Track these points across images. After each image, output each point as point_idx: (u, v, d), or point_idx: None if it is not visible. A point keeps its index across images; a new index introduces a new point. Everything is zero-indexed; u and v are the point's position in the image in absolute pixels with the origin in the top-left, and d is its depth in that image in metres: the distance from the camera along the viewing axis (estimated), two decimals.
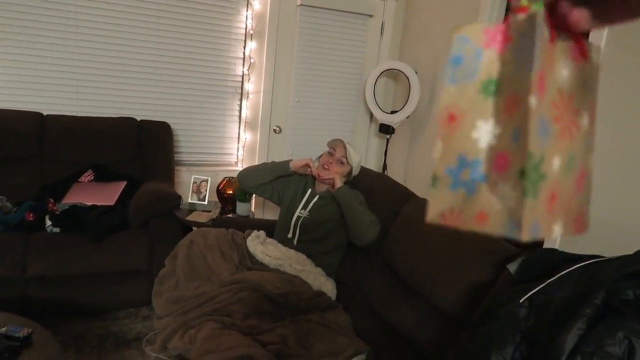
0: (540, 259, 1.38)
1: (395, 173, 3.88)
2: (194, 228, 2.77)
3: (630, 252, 1.19)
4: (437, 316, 1.67)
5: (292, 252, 2.22)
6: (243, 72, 3.60)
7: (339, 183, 2.22)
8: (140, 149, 3.17)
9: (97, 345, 2.40)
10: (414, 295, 1.81)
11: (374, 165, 4.11)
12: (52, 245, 2.49)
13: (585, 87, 0.38)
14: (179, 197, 2.80)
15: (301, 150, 3.85)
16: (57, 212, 2.65)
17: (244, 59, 3.59)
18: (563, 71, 0.37)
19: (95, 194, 2.81)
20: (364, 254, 2.17)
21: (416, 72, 3.60)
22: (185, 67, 3.40)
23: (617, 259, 1.16)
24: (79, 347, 2.37)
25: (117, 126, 3.11)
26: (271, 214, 3.74)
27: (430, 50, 3.64)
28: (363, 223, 2.08)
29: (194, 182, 2.97)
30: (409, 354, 1.70)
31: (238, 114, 3.67)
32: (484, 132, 0.37)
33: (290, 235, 2.31)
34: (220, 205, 2.92)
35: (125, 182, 2.94)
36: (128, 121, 3.16)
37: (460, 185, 0.38)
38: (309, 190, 2.36)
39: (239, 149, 3.74)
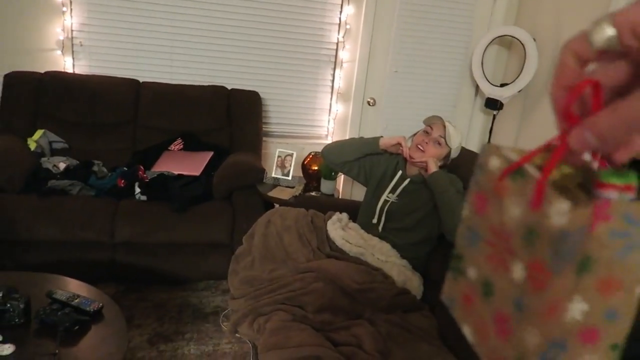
0: None
1: None
2: (275, 205, 2.66)
3: None
4: None
5: (376, 240, 2.01)
6: (338, 39, 3.37)
7: (433, 167, 1.95)
8: (229, 118, 3.10)
9: (176, 316, 2.40)
10: None
11: (476, 145, 3.71)
12: (139, 213, 2.51)
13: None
14: (263, 171, 2.69)
15: (396, 125, 3.58)
16: (146, 180, 2.67)
17: (339, 25, 3.35)
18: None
19: (182, 163, 2.80)
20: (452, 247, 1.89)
21: (534, 40, 3.13)
22: (277, 35, 3.25)
23: None
24: (159, 315, 2.39)
25: (207, 94, 3.06)
26: (359, 194, 3.53)
27: (553, 14, 3.13)
28: (458, 215, 1.79)
29: (279, 156, 2.84)
30: None
31: (330, 84, 3.47)
32: (571, 310, 0.35)
33: (375, 221, 2.10)
34: (304, 181, 2.77)
35: (212, 153, 2.89)
36: (219, 90, 3.10)
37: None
38: (400, 172, 2.10)
39: (329, 121, 3.55)
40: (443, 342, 1.65)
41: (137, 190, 2.62)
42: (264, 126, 3.23)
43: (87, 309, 1.57)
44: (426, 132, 2.04)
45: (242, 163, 2.72)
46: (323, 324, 1.65)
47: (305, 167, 2.71)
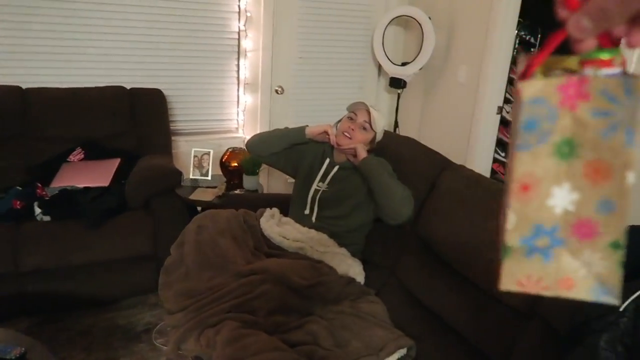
0: None
1: (408, 131, 3.60)
2: (199, 208, 2.53)
3: None
4: (493, 307, 1.46)
5: (313, 232, 1.99)
6: (239, 28, 3.25)
7: (363, 153, 1.96)
8: (133, 120, 2.88)
9: (105, 341, 2.21)
10: (462, 280, 1.59)
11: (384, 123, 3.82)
12: (46, 235, 2.25)
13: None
14: (180, 174, 2.55)
15: (306, 112, 3.57)
16: (47, 198, 2.40)
17: (239, 13, 3.23)
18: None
19: (87, 175, 2.55)
20: (395, 231, 1.93)
21: (430, 18, 3.27)
22: (175, 27, 3.05)
23: None
24: (86, 343, 2.19)
25: (105, 96, 2.81)
26: (278, 186, 3.49)
27: None
28: (397, 198, 1.84)
29: (195, 156, 2.70)
30: (461, 350, 1.50)
31: (236, 75, 3.36)
32: (560, 199, 0.35)
33: (307, 212, 2.07)
34: (225, 179, 2.66)
35: (119, 159, 2.67)
36: (117, 90, 2.86)
37: (536, 252, 0.37)
38: (327, 160, 2.09)
39: (239, 113, 3.45)
40: (394, 325, 1.68)
41: (38, 210, 2.35)
42: (171, 125, 3.04)
43: (9, 356, 1.37)
44: (351, 119, 2.05)
45: (156, 167, 2.54)
46: (276, 326, 1.60)
47: (224, 165, 2.60)
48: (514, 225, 0.37)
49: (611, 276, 0.35)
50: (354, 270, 1.91)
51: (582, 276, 0.36)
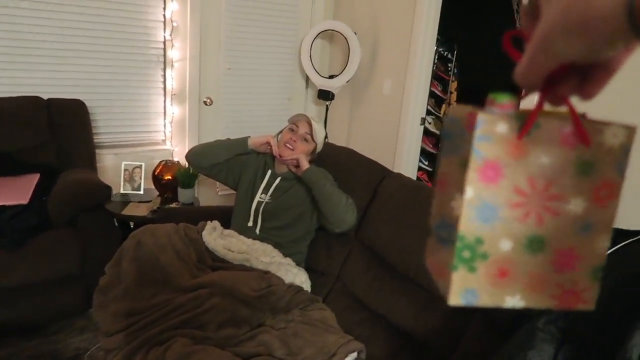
0: None
1: (337, 142, 3.69)
2: (132, 224, 2.42)
3: None
4: (438, 305, 1.55)
5: (257, 243, 1.98)
6: (165, 37, 3.17)
7: (305, 164, 2.00)
8: (52, 133, 2.70)
9: None
10: (406, 281, 1.67)
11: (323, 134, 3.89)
12: None
13: (580, 172, 0.40)
14: (109, 189, 2.42)
15: (236, 123, 3.55)
16: None
17: (164, 22, 3.15)
18: (542, 159, 0.39)
19: (3, 192, 2.35)
20: (338, 238, 1.98)
21: (355, 33, 3.40)
22: (97, 34, 2.91)
23: None
24: None
25: (20, 107, 2.60)
26: (209, 198, 3.43)
27: (369, 9, 3.44)
28: (340, 207, 1.89)
29: (126, 170, 2.58)
30: (408, 350, 1.57)
31: (163, 85, 3.26)
32: (457, 204, 0.40)
33: (250, 224, 2.07)
34: (157, 193, 2.57)
35: (38, 174, 2.48)
36: (33, 101, 2.66)
37: (439, 240, 0.43)
38: (269, 171, 2.11)
39: (166, 125, 3.35)
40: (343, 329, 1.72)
41: None
42: (95, 137, 2.89)
43: None
44: (292, 130, 2.08)
45: (82, 182, 2.40)
46: (227, 339, 1.58)
47: (157, 178, 2.51)
48: (434, 212, 0.43)
49: (449, 276, 0.40)
50: (300, 278, 1.93)
51: (446, 272, 0.40)
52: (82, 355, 2.16)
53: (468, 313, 1.47)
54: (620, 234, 1.13)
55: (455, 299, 0.40)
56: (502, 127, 0.38)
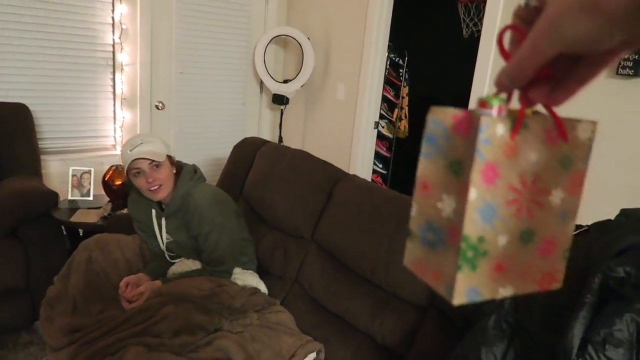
0: None
1: (293, 145, 3.71)
2: (80, 231, 2.34)
3: None
4: (394, 304, 1.58)
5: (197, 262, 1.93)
6: (114, 40, 3.09)
7: (149, 291, 1.73)
8: None
9: None
10: (363, 282, 1.69)
11: (268, 138, 3.88)
12: None
13: (561, 165, 0.43)
14: (56, 195, 2.32)
15: (189, 128, 3.49)
16: None
17: (113, 25, 3.07)
18: (530, 156, 0.41)
19: None
20: (294, 240, 1.98)
21: (309, 38, 3.43)
22: (41, 36, 2.80)
23: (598, 231, 1.14)
24: None
25: None
26: None
27: (322, 15, 3.48)
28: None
29: (74, 175, 2.48)
30: (366, 347, 1.59)
31: (112, 89, 3.17)
32: (446, 205, 0.42)
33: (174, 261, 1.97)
34: (108, 199, 2.49)
35: None
36: None
37: (426, 243, 0.44)
38: (153, 212, 1.88)
39: (116, 129, 3.25)
40: (302, 331, 1.72)
41: None
42: (40, 143, 2.76)
43: None
44: (139, 174, 1.75)
45: (25, 190, 2.29)
46: (183, 346, 1.55)
47: (107, 184, 2.43)
48: (415, 214, 0.44)
49: (452, 277, 0.40)
50: (251, 281, 1.91)
51: (444, 273, 0.42)
52: None
53: (422, 311, 1.51)
54: None
55: (460, 299, 0.41)
56: (501, 129, 0.40)
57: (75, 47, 2.94)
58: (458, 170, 0.41)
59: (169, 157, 1.82)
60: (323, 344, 1.62)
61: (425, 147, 0.43)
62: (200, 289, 1.71)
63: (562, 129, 0.42)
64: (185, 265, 1.92)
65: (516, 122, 0.40)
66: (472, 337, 1.25)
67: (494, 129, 0.39)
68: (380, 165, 3.89)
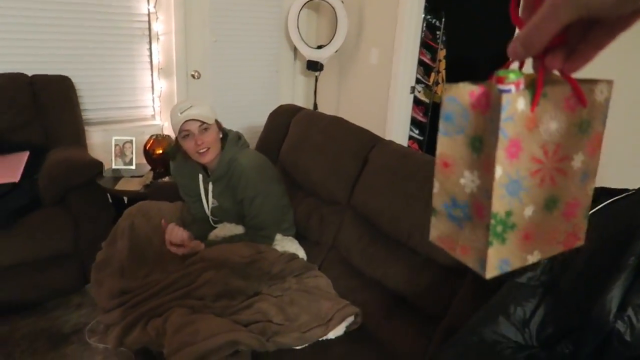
0: None
1: (328, 112, 3.69)
2: (125, 198, 2.42)
3: None
4: (430, 268, 1.58)
5: (240, 227, 1.97)
6: (149, 10, 3.11)
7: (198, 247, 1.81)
8: (38, 111, 2.66)
9: (28, 348, 2.06)
10: (399, 246, 1.69)
11: (303, 105, 3.87)
12: None
13: (580, 130, 0.43)
14: (100, 164, 2.41)
15: (224, 96, 3.52)
16: None
17: None
18: (551, 125, 0.41)
19: None
20: (330, 206, 2.00)
21: (342, 1, 3.35)
22: (79, 8, 2.84)
23: None
24: (6, 352, 2.02)
25: (3, 85, 2.56)
26: None
27: None
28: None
29: (117, 145, 2.56)
30: (402, 312, 1.61)
31: (149, 59, 3.21)
32: (469, 181, 0.42)
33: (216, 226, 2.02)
34: (149, 168, 2.56)
35: (27, 153, 2.46)
36: (17, 77, 2.62)
37: (453, 219, 0.45)
38: (200, 177, 1.94)
39: (154, 100, 3.31)
40: (339, 295, 1.76)
41: None
42: (82, 114, 2.85)
43: None
44: (188, 136, 1.80)
45: (72, 159, 2.38)
46: (223, 309, 1.61)
47: (148, 153, 2.50)
48: (437, 191, 0.45)
49: (483, 252, 0.41)
50: (290, 247, 1.94)
51: (473, 248, 0.43)
52: (80, 330, 2.18)
53: (458, 276, 1.51)
54: (603, 193, 1.16)
55: (492, 272, 0.42)
56: (521, 104, 0.39)
57: (113, 18, 2.98)
58: (479, 147, 0.41)
59: (217, 122, 1.86)
60: (360, 308, 1.65)
61: (442, 125, 0.43)
62: (241, 255, 1.75)
63: (581, 95, 0.41)
64: (226, 229, 1.97)
65: (535, 93, 0.39)
66: (502, 294, 1.24)
67: (514, 105, 0.39)
68: (417, 131, 3.83)
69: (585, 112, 0.42)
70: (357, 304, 1.68)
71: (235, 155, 1.86)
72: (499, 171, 0.39)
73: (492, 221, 0.40)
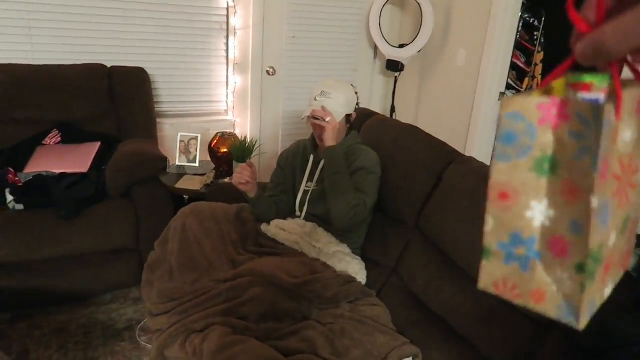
0: None
1: (406, 116, 3.47)
2: (185, 197, 2.37)
3: None
4: (510, 313, 1.34)
5: (309, 225, 1.84)
6: (228, 4, 3.05)
7: (329, 141, 1.77)
8: (114, 101, 2.69)
9: (83, 339, 2.06)
10: (471, 283, 1.47)
11: (379, 108, 3.67)
12: (16, 226, 2.07)
13: None
14: (165, 159, 2.38)
15: (298, 95, 3.39)
16: (20, 184, 2.22)
17: None
18: (626, 134, 0.36)
19: (64, 159, 2.37)
20: (396, 227, 1.80)
21: None
22: (159, 0, 2.84)
23: None
24: (61, 341, 2.04)
25: (83, 75, 2.61)
26: (268, 174, 3.32)
27: None
28: (340, 204, 1.68)
29: (182, 141, 2.52)
30: (468, 358, 1.38)
31: (225, 54, 3.17)
32: (538, 212, 0.36)
33: (298, 213, 1.93)
34: (213, 166, 2.50)
35: (99, 143, 2.48)
36: (96, 68, 2.66)
37: (513, 260, 0.38)
38: (311, 157, 1.93)
39: (228, 95, 3.27)
40: (396, 329, 1.56)
41: (10, 198, 2.17)
42: (156, 107, 2.86)
43: None
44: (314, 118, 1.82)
45: (138, 152, 2.37)
46: (268, 332, 1.47)
47: (213, 151, 2.43)
48: (492, 229, 0.38)
49: (575, 298, 0.35)
50: (354, 268, 1.78)
51: (553, 292, 0.36)
52: (134, 326, 2.16)
53: (543, 330, 1.26)
54: None
55: (585, 319, 0.35)
56: (611, 114, 0.33)
57: (192, 11, 2.96)
58: (549, 170, 0.35)
59: (347, 115, 1.85)
60: (419, 347, 1.44)
61: (500, 149, 0.37)
62: (292, 274, 1.60)
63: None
64: (290, 226, 1.85)
65: (617, 100, 0.33)
66: None
67: (610, 117, 0.33)
68: None
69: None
70: (417, 341, 1.48)
71: (355, 145, 1.87)
72: (595, 202, 0.33)
73: (589, 260, 0.34)
